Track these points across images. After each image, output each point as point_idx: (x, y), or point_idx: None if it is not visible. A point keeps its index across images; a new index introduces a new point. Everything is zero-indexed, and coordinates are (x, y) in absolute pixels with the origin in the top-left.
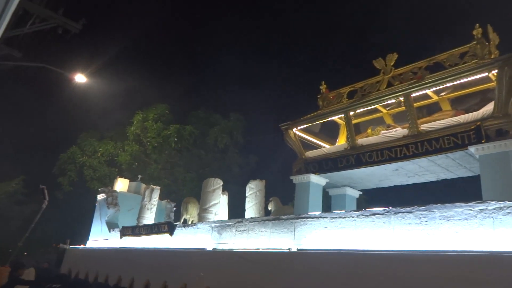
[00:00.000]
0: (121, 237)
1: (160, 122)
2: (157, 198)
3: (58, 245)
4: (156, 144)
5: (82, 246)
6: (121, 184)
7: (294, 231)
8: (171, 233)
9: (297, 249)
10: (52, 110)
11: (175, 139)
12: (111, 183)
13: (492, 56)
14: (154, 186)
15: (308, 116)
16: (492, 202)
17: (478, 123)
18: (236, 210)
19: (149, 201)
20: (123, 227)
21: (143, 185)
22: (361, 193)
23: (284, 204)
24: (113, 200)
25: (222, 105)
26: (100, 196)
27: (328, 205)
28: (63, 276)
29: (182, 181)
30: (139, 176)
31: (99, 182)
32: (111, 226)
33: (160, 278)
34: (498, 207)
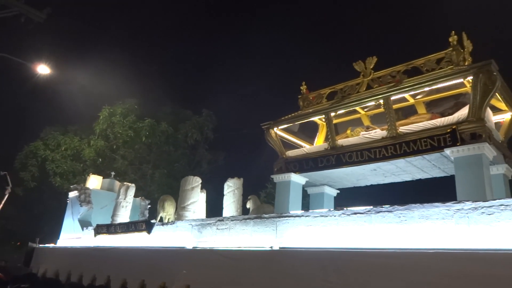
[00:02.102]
0: (95, 235)
1: (130, 116)
2: (133, 195)
3: (19, 243)
4: (127, 139)
5: (52, 245)
6: (95, 181)
7: (276, 229)
8: (149, 231)
9: (279, 247)
10: (13, 102)
11: (147, 133)
12: (75, 179)
13: (466, 63)
14: (130, 184)
15: (289, 116)
16: (467, 202)
17: (454, 127)
18: (207, 208)
19: (124, 199)
20: (98, 225)
21: (117, 182)
22: (338, 191)
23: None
24: (86, 197)
25: (192, 101)
26: (72, 194)
27: (306, 203)
28: (32, 275)
29: (150, 177)
30: (112, 173)
31: (62, 178)
32: (84, 224)
33: (138, 277)
34: (473, 207)
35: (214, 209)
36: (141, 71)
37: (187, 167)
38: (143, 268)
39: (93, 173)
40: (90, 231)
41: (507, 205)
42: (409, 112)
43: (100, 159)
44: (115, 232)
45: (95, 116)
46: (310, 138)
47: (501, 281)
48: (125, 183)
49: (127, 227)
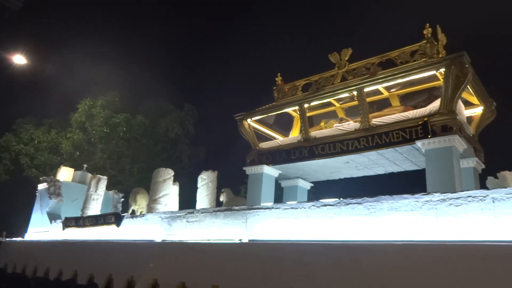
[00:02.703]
0: (63, 229)
1: (109, 110)
2: (104, 188)
3: None
4: (103, 134)
5: (19, 239)
6: (65, 174)
7: (246, 221)
8: (118, 224)
9: (249, 240)
10: None
11: (124, 128)
12: (52, 171)
13: (440, 56)
14: (101, 176)
15: (263, 107)
16: (436, 194)
17: (425, 119)
18: (186, 201)
19: (95, 191)
20: (66, 218)
21: (89, 175)
22: (312, 185)
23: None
24: (56, 190)
25: (174, 95)
26: (41, 186)
27: (280, 197)
28: None
29: (129, 171)
30: (85, 166)
31: (38, 170)
32: (52, 217)
33: (106, 271)
34: (441, 199)
35: (193, 203)
36: (122, 65)
37: (167, 161)
38: (111, 262)
39: (71, 167)
40: (58, 224)
41: (474, 197)
42: (384, 105)
43: (78, 153)
44: (83, 225)
45: (73, 109)
46: (286, 131)
47: (468, 272)
48: (96, 175)
49: (96, 220)
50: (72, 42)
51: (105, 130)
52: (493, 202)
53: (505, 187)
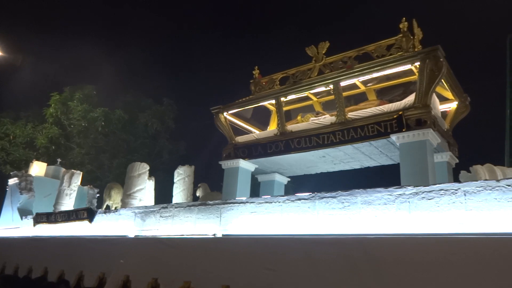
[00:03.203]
0: (34, 225)
1: (86, 104)
2: (78, 183)
3: None
4: (82, 129)
5: None
6: (38, 168)
7: (220, 216)
8: (91, 220)
9: (223, 235)
10: None
11: (102, 123)
12: (27, 167)
13: (416, 50)
14: (75, 171)
15: (240, 100)
16: (409, 187)
17: (400, 113)
18: (166, 197)
19: (68, 186)
20: (37, 214)
21: (63, 169)
22: (289, 179)
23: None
24: (27, 185)
25: (153, 89)
26: (12, 181)
27: (257, 191)
28: None
29: (108, 167)
30: (58, 160)
31: (13, 166)
32: (23, 213)
33: (77, 267)
34: (414, 192)
35: (171, 198)
36: (100, 58)
37: (147, 157)
38: (83, 258)
39: (47, 162)
40: (29, 220)
41: (446, 190)
42: (361, 100)
43: (54, 147)
44: (55, 221)
45: (48, 103)
46: (264, 125)
47: (440, 265)
48: (70, 170)
49: (68, 216)
50: (47, 34)
51: (83, 124)
52: (465, 195)
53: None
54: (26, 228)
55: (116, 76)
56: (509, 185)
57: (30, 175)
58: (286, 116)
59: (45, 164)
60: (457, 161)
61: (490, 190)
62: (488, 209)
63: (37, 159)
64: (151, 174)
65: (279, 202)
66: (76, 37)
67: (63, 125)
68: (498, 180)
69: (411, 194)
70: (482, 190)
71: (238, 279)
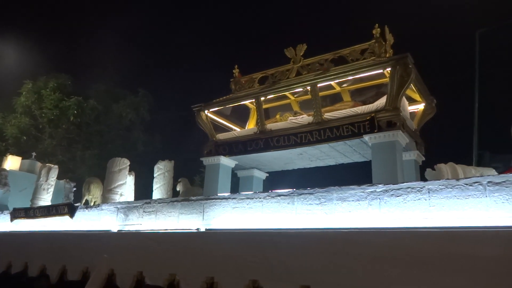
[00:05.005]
0: (11, 220)
1: (59, 93)
2: (55, 177)
3: None
4: (52, 117)
5: None
6: (12, 162)
7: (203, 212)
8: (72, 215)
9: (206, 229)
10: None
11: (75, 111)
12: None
13: (388, 55)
14: (52, 165)
15: (221, 99)
16: (380, 185)
17: (372, 115)
18: (142, 190)
19: (46, 181)
20: (14, 209)
21: (39, 164)
22: (267, 175)
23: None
24: (2, 179)
25: (128, 80)
26: None
27: (236, 186)
28: None
29: (80, 158)
30: (33, 154)
31: None
32: None
33: (59, 262)
34: (384, 190)
35: (148, 192)
36: (73, 47)
37: (121, 148)
38: (65, 253)
39: (17, 154)
40: (6, 215)
41: (413, 188)
42: (337, 100)
43: (25, 137)
44: (34, 216)
45: (19, 91)
46: (243, 122)
47: (405, 256)
48: (47, 164)
49: (47, 211)
50: (16, 20)
51: (54, 113)
52: (429, 192)
53: (440, 179)
54: (2, 223)
55: (87, 66)
56: (467, 184)
57: (4, 169)
58: (265, 114)
59: (20, 158)
60: (424, 159)
61: (451, 188)
62: (448, 206)
63: (7, 150)
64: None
65: (260, 198)
66: (50, 28)
67: (33, 115)
68: (458, 179)
69: (381, 191)
70: (444, 188)
71: (221, 271)
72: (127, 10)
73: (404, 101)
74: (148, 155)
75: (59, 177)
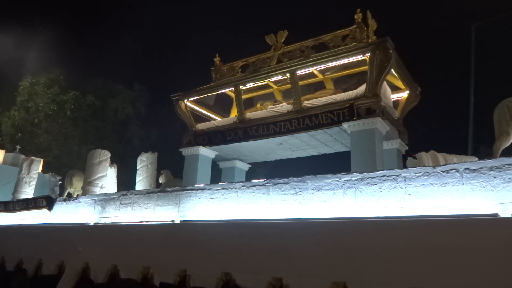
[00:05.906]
0: None
1: (54, 88)
2: (38, 170)
3: None
4: (50, 112)
5: None
6: None
7: (179, 203)
8: (50, 208)
9: (181, 221)
10: None
11: (72, 106)
12: None
13: (370, 41)
14: (35, 158)
15: (200, 88)
16: (355, 173)
17: (351, 102)
18: (134, 185)
19: (28, 174)
20: None
21: (23, 157)
22: (250, 166)
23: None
24: None
25: (124, 75)
26: None
27: (219, 178)
28: None
29: (76, 153)
30: (18, 147)
31: None
32: None
33: (36, 256)
34: (360, 178)
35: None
36: (68, 41)
37: (117, 143)
38: (42, 247)
39: (12, 149)
40: None
41: (389, 176)
42: (320, 88)
43: (20, 134)
44: (13, 209)
45: (16, 86)
46: (226, 113)
47: (380, 245)
48: (29, 157)
49: (26, 204)
50: (13, 15)
51: (51, 107)
52: (405, 180)
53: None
54: None
55: (84, 61)
56: (443, 171)
57: None
58: (249, 104)
59: (3, 151)
60: (407, 148)
61: (427, 176)
62: (424, 194)
63: (2, 146)
64: (122, 160)
65: (235, 189)
66: (44, 22)
67: (29, 111)
68: (434, 167)
69: (357, 180)
70: (420, 176)
71: (195, 263)
72: (126, 5)
73: (386, 88)
74: (144, 149)
75: (52, 171)
